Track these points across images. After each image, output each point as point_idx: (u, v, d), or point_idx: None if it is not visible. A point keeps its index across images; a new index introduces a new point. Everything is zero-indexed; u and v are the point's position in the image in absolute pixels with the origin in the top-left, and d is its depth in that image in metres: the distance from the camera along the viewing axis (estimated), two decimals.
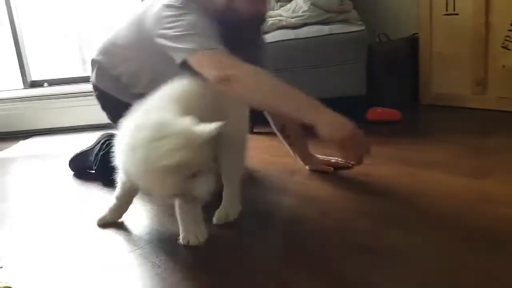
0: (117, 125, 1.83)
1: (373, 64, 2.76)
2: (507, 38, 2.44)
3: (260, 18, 1.65)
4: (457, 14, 2.62)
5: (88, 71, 2.93)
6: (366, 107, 2.58)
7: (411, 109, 2.83)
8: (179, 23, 1.44)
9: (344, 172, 1.75)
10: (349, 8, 2.69)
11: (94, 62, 1.83)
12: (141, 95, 1.71)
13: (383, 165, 1.78)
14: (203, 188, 1.10)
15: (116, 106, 1.71)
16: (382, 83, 2.86)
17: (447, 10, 2.66)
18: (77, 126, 3.26)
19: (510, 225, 1.21)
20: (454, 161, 1.78)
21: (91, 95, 2.01)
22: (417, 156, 1.90)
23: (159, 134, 1.06)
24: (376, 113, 2.56)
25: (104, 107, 1.87)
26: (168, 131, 1.06)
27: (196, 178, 1.09)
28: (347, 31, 2.55)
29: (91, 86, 1.87)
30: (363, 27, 2.58)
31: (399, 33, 3.00)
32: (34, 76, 3.46)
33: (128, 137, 1.13)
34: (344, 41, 2.54)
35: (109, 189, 1.73)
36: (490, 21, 2.49)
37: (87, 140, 2.09)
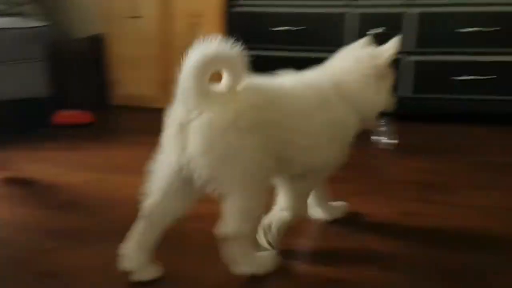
0: None
1: (59, 63, 2.60)
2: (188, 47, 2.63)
3: None
4: (141, 17, 2.69)
5: None
6: (53, 110, 2.41)
7: (102, 110, 2.77)
8: None
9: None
10: (26, 0, 2.47)
11: None
12: None
13: (72, 172, 1.72)
14: None
15: None
16: (70, 84, 2.71)
17: (132, 12, 2.71)
18: None
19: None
20: (142, 163, 1.82)
21: None
22: (106, 161, 1.88)
23: None
24: (64, 116, 2.42)
25: None
26: None
27: None
28: (27, 26, 2.33)
29: None
30: (45, 23, 2.39)
31: (85, 32, 2.91)
32: None
33: None
34: (23, 36, 2.30)
35: None
36: (174, 27, 2.65)
37: None
